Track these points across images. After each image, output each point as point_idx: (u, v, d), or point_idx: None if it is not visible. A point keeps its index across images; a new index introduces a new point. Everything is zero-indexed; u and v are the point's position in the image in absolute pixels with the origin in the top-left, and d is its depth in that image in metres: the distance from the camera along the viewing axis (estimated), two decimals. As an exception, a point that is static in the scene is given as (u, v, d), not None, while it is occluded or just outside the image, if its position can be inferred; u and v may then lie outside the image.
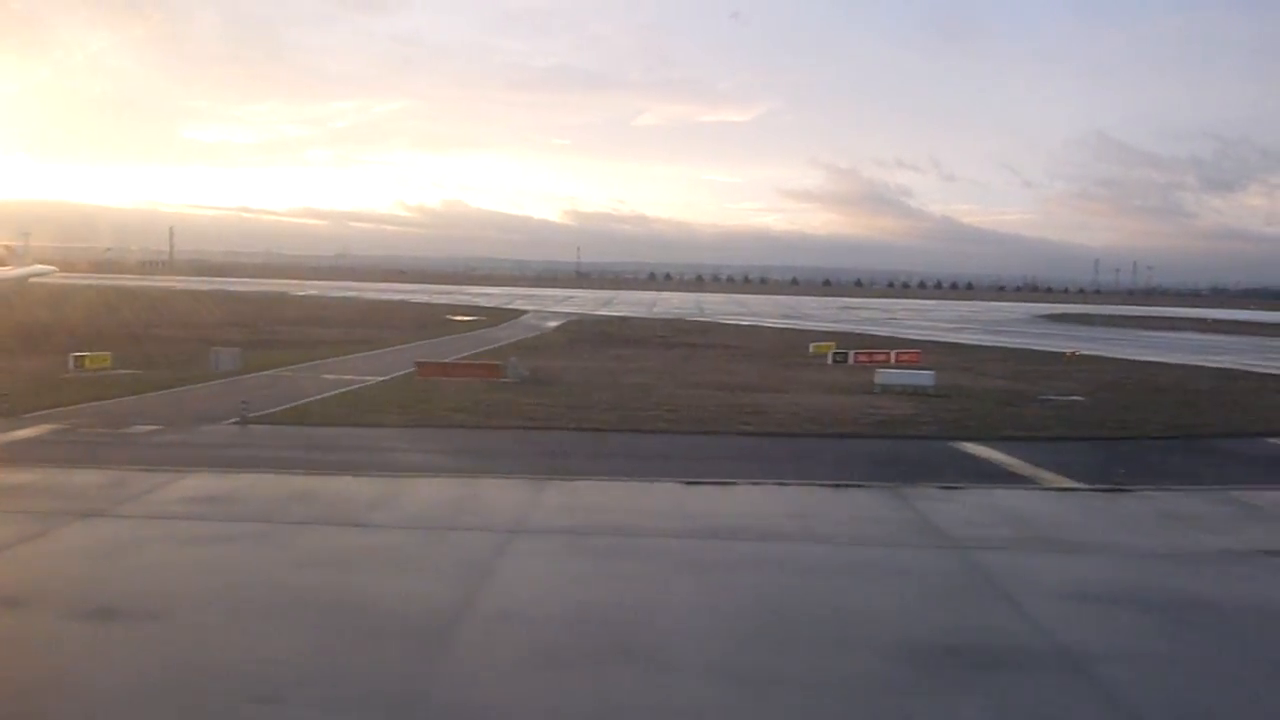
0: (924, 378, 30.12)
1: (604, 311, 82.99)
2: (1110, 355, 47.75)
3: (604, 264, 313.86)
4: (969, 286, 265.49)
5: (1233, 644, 8.31)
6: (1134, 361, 44.59)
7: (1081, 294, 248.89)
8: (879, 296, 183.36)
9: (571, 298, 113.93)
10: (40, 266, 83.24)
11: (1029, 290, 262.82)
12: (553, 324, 65.04)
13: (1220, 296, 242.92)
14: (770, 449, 18.88)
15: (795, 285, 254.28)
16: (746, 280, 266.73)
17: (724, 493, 13.70)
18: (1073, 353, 45.90)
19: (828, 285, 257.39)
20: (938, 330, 69.32)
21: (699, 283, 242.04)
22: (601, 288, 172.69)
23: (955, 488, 14.37)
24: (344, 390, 25.79)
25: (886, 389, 29.52)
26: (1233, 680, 7.53)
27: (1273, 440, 21.01)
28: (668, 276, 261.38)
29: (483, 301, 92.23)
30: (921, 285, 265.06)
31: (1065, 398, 29.30)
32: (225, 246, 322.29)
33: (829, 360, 41.10)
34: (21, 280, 71.57)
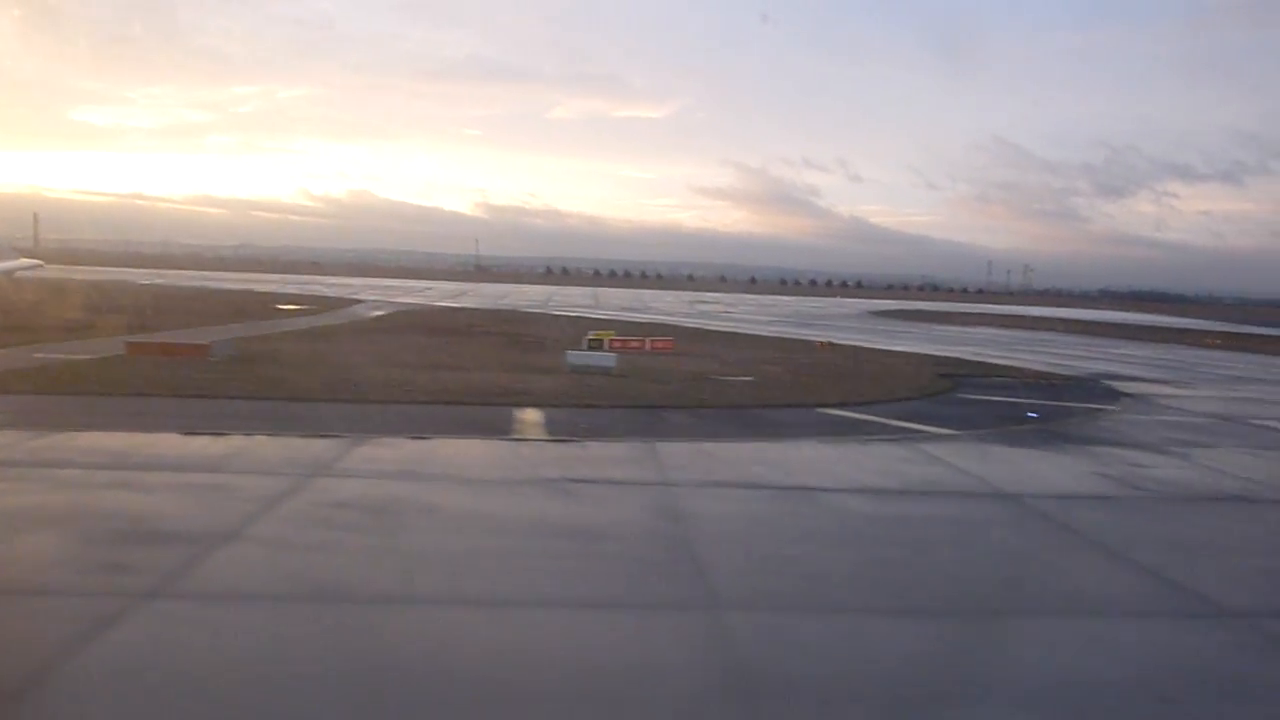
0: (607, 359, 33.23)
1: (446, 303, 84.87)
2: (863, 345, 51.88)
3: (513, 258, 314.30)
4: (859, 284, 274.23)
5: (405, 537, 11.15)
6: (871, 350, 48.67)
7: (965, 293, 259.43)
8: (768, 293, 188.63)
9: (429, 289, 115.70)
10: (26, 260, 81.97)
11: (917, 290, 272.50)
12: (377, 313, 66.64)
13: (1108, 299, 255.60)
14: (351, 413, 21.29)
15: (691, 280, 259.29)
16: (644, 275, 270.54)
17: (207, 441, 16.13)
18: (824, 343, 49.78)
19: (723, 281, 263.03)
20: (749, 323, 73.04)
21: (595, 277, 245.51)
22: (498, 281, 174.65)
23: (422, 438, 17.07)
24: (28, 367, 27.43)
25: (575, 369, 32.48)
26: (357, 558, 10.31)
27: (821, 410, 24.37)
28: (565, 270, 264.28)
29: (332, 292, 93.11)
30: (813, 283, 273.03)
31: (737, 379, 32.64)
32: (116, 234, 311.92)
33: (585, 347, 44.04)
34: (9, 274, 71.14)
